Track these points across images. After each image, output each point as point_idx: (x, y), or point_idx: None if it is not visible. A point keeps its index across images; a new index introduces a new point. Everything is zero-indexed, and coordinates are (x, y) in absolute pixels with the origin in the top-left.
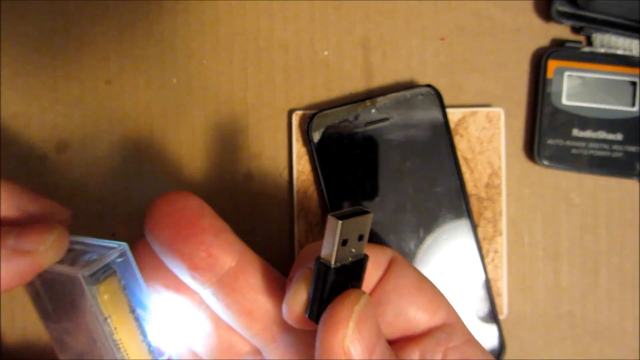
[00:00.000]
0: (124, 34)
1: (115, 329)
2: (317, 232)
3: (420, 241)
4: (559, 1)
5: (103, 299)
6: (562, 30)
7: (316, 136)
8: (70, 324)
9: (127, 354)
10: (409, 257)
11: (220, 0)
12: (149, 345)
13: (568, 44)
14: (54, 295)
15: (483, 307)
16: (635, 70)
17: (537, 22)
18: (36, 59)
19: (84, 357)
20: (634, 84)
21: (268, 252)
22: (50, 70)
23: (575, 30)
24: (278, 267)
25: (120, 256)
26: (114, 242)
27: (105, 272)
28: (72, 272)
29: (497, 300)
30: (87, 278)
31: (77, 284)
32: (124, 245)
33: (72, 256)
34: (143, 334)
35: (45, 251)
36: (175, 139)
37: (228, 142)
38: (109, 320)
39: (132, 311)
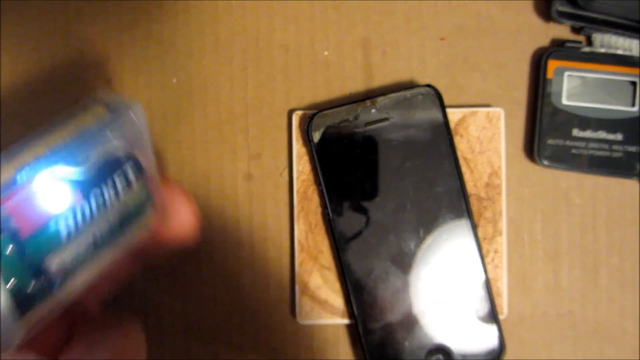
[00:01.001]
0: (124, 34)
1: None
2: (317, 232)
3: (420, 241)
4: (559, 1)
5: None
6: (562, 30)
7: (316, 136)
8: None
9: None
10: (409, 257)
11: (220, 0)
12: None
13: (568, 44)
14: None
15: (483, 307)
16: (635, 70)
17: (537, 22)
18: (36, 59)
19: None
20: (634, 84)
21: (268, 252)
22: (50, 70)
23: (575, 30)
24: (278, 267)
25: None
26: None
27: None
28: None
29: (497, 300)
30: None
31: None
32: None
33: None
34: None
35: None
36: (175, 139)
37: (228, 142)
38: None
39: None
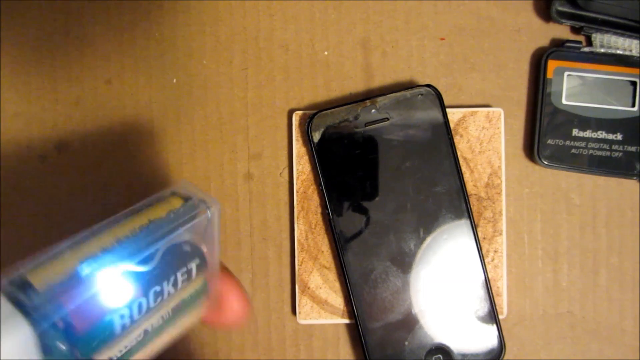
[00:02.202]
0: (124, 34)
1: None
2: (317, 232)
3: (420, 241)
4: (559, 1)
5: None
6: (562, 30)
7: (316, 136)
8: None
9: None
10: (409, 257)
11: (220, 0)
12: (80, 274)
13: (568, 44)
14: None
15: (483, 307)
16: (635, 70)
17: (537, 22)
18: (36, 59)
19: None
20: (634, 84)
21: (268, 252)
22: (50, 70)
23: (575, 30)
24: (278, 267)
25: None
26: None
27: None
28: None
29: (497, 300)
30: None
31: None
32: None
33: None
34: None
35: None
36: (175, 139)
37: (228, 142)
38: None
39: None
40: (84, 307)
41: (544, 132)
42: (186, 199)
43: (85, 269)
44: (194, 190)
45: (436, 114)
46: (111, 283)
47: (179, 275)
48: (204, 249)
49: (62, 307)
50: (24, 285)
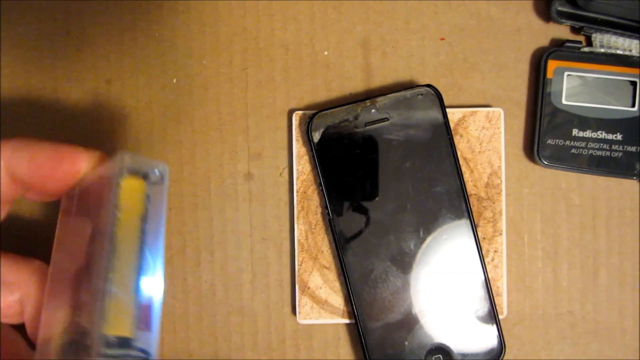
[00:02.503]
0: (124, 34)
1: (118, 239)
2: (317, 232)
3: (420, 241)
4: (558, 1)
5: (124, 194)
6: (562, 30)
7: (316, 136)
8: (80, 231)
9: (113, 280)
10: (409, 257)
11: (220, 0)
12: (137, 294)
13: (568, 44)
14: (84, 195)
15: (483, 307)
16: (635, 70)
17: (537, 22)
18: (36, 59)
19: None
20: (634, 84)
21: (268, 252)
22: (50, 70)
23: (575, 30)
24: (278, 267)
25: (159, 178)
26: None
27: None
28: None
29: (496, 300)
30: (123, 165)
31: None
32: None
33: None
34: (138, 273)
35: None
36: (175, 139)
37: (228, 142)
38: (117, 215)
39: (140, 242)
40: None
41: (544, 132)
42: (144, 175)
43: (142, 294)
44: (141, 161)
45: (436, 114)
46: (153, 285)
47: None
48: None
49: (153, 333)
50: (123, 342)
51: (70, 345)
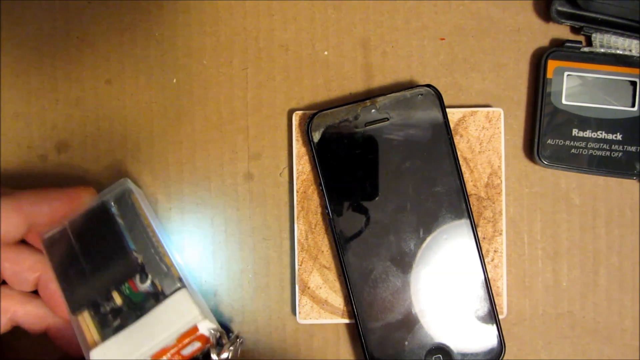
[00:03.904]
0: (125, 34)
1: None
2: (317, 232)
3: (420, 241)
4: (558, 1)
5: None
6: (562, 30)
7: (316, 136)
8: (96, 258)
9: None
10: (409, 257)
11: (220, 0)
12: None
13: (568, 44)
14: (84, 233)
15: (483, 307)
16: (635, 70)
17: (537, 22)
18: (36, 59)
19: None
20: (634, 84)
21: (268, 252)
22: (50, 70)
23: (575, 30)
24: (278, 266)
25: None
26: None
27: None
28: (99, 198)
29: (497, 300)
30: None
31: (106, 208)
32: (123, 180)
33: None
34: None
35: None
36: (175, 139)
37: (228, 142)
38: (148, 222)
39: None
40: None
41: (544, 132)
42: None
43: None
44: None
45: (436, 114)
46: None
47: None
48: None
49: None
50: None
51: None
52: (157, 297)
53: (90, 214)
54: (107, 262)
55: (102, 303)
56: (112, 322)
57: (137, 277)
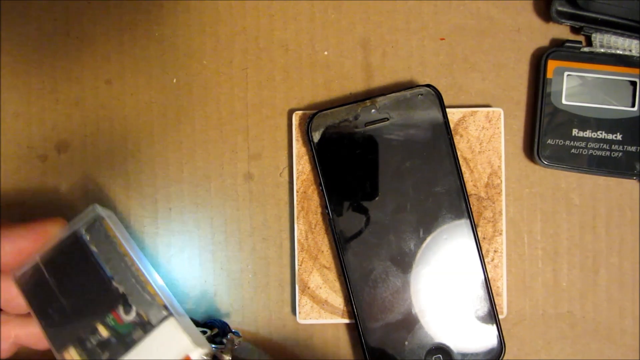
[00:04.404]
0: (125, 34)
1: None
2: (317, 232)
3: (420, 241)
4: (558, 1)
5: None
6: (562, 30)
7: (316, 136)
8: (74, 292)
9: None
10: (409, 257)
11: (220, 0)
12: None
13: (568, 44)
14: (58, 267)
15: (483, 307)
16: (635, 70)
17: (537, 22)
18: (36, 59)
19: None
20: (634, 84)
21: (268, 252)
22: (50, 70)
23: (575, 30)
24: (278, 266)
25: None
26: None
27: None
28: (70, 229)
29: (496, 300)
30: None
31: (78, 239)
32: (94, 206)
33: None
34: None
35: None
36: (175, 139)
37: (228, 142)
38: (125, 250)
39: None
40: None
41: (544, 132)
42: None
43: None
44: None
45: (436, 114)
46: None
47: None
48: None
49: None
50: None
51: None
52: (144, 327)
53: (62, 246)
54: (86, 295)
55: (88, 337)
56: (100, 355)
57: (121, 308)
